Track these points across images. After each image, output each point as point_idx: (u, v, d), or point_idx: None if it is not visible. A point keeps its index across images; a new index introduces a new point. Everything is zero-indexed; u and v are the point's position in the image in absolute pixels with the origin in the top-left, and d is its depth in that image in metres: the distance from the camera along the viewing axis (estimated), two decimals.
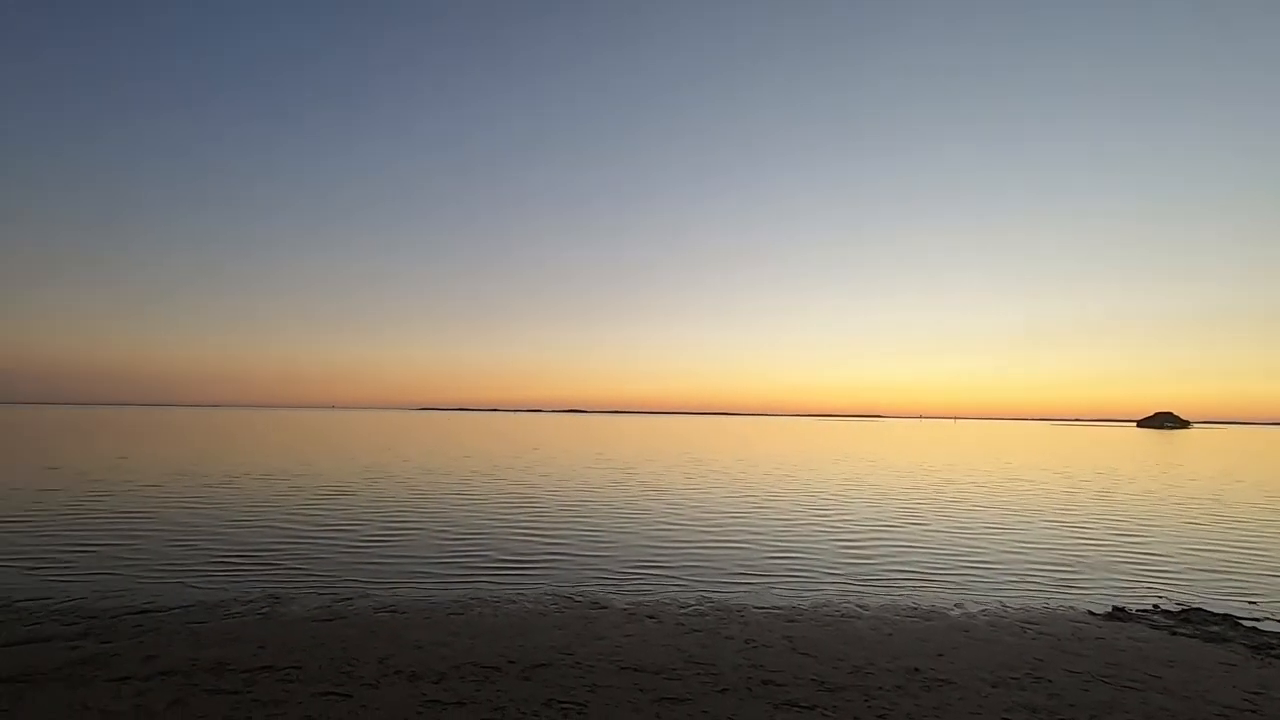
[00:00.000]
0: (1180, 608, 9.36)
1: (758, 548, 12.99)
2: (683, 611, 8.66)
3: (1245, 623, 8.67)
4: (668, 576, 10.62)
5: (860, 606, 9.07)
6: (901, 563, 11.90)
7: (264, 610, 8.36)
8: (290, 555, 11.53)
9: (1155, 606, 9.41)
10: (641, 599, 9.26)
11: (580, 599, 9.18)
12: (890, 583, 10.48)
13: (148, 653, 6.59)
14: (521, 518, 15.90)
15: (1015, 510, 18.73)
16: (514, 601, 8.96)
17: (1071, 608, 9.25)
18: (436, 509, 17.03)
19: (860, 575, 10.94)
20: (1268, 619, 8.93)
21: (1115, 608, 9.19)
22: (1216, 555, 13.13)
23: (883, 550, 12.94)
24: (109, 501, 17.23)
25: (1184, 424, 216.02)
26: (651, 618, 8.34)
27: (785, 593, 9.78)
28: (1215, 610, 9.23)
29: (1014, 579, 10.88)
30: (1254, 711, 5.69)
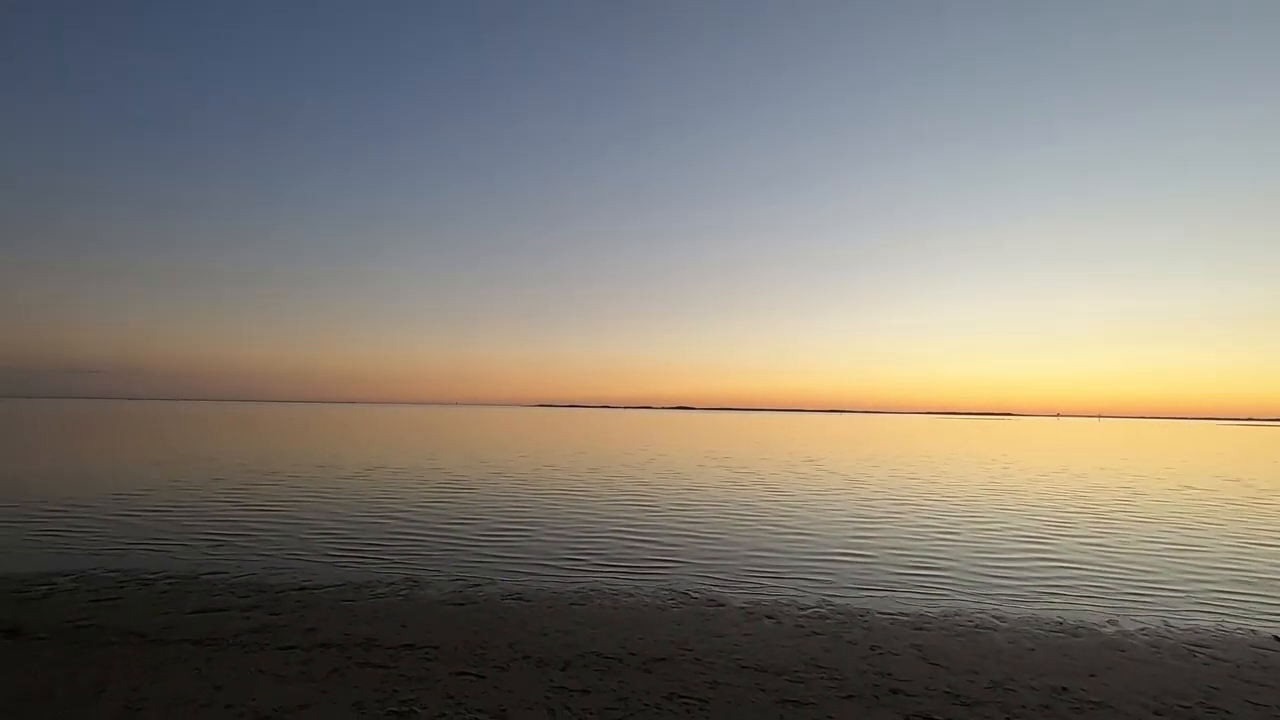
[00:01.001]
0: None
1: (881, 551, 12.46)
2: (802, 613, 8.47)
3: None
4: (786, 578, 10.41)
5: (996, 618, 8.48)
6: (1044, 573, 11.00)
7: (404, 592, 9.02)
8: (424, 542, 12.35)
9: None
10: (759, 598, 9.15)
11: (697, 596, 9.21)
12: (1030, 594, 9.72)
13: (309, 625, 7.31)
14: (637, 514, 16.15)
15: (1183, 521, 16.79)
16: (632, 595, 9.13)
17: (1253, 631, 8.17)
18: (554, 504, 17.65)
19: (996, 585, 10.22)
20: None
21: None
22: None
23: (1022, 559, 12.02)
24: (267, 490, 19.23)
25: None
26: (770, 618, 8.22)
27: (912, 599, 9.32)
28: None
29: (1180, 596, 9.77)
30: None
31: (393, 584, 9.45)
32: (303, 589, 9.05)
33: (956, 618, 8.44)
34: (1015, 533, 14.58)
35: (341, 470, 24.94)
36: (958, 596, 9.53)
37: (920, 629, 7.93)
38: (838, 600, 9.19)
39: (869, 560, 11.73)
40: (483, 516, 15.30)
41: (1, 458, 27.70)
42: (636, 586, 9.66)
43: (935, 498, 20.26)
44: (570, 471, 26.18)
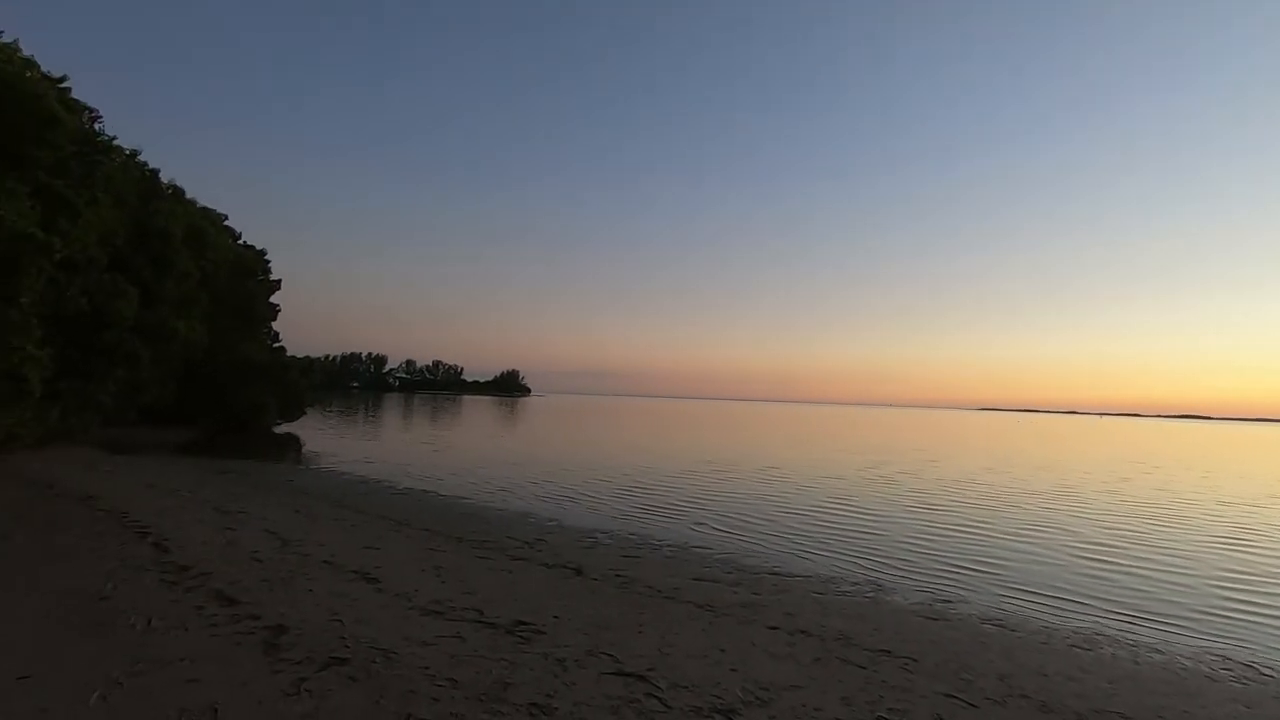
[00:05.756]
0: None
1: None
2: None
3: None
4: None
5: None
6: None
7: (869, 594, 8.97)
8: (882, 546, 12.12)
9: None
10: None
11: (1270, 674, 6.78)
12: None
13: (786, 610, 7.84)
14: (1156, 546, 12.93)
15: None
16: (1160, 652, 7.23)
17: None
18: (1036, 518, 15.39)
19: None
20: None
21: None
22: None
23: None
24: (734, 477, 21.62)
25: None
26: None
27: None
28: None
29: None
30: None
31: (857, 584, 9.50)
32: (775, 574, 9.81)
33: None
34: None
35: (791, 466, 26.51)
36: None
37: None
38: None
39: None
40: (941, 525, 14.27)
41: (550, 440, 37.83)
42: (1165, 641, 7.63)
43: None
44: (1044, 485, 22.53)
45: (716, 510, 15.30)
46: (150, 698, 4.44)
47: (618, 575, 9.08)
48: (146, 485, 14.12)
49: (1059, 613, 8.62)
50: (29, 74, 16.23)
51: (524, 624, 6.54)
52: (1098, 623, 8.28)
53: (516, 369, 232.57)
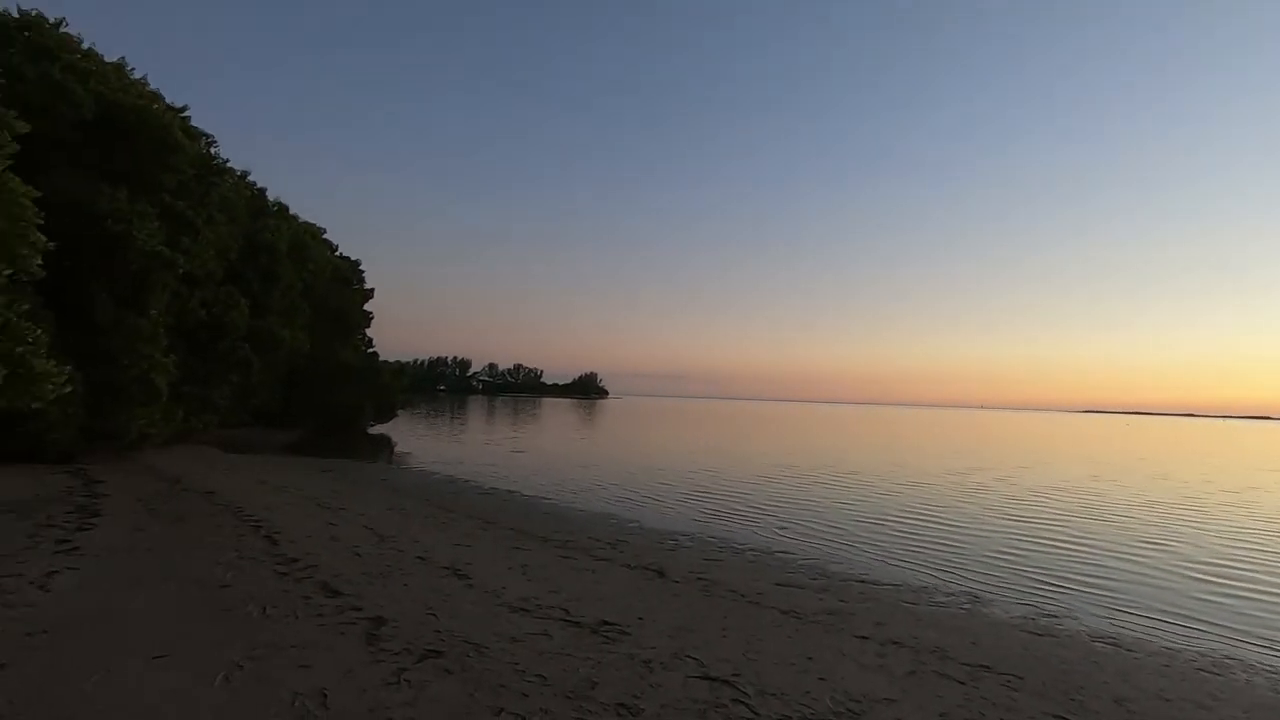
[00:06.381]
0: None
1: None
2: None
3: None
4: None
5: None
6: None
7: (966, 606, 8.54)
8: (975, 555, 11.53)
9: None
10: None
11: None
12: None
13: (876, 619, 7.57)
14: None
15: None
16: None
17: None
18: (1151, 532, 14.27)
19: None
20: None
21: None
22: None
23: None
24: (802, 485, 21.12)
25: None
26: None
27: None
28: None
29: None
30: None
31: (951, 595, 9.07)
32: (863, 581, 9.50)
33: None
34: None
35: (873, 470, 25.67)
36: None
37: None
38: None
39: None
40: (1043, 537, 13.41)
41: (626, 442, 38.13)
42: None
43: None
44: (1158, 495, 20.81)
45: (797, 515, 14.97)
46: (267, 681, 4.77)
47: (700, 578, 9.03)
48: (258, 482, 15.21)
49: (1181, 635, 7.90)
50: (155, 106, 17.84)
51: (609, 624, 6.61)
52: (1227, 647, 7.56)
53: (594, 371, 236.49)
